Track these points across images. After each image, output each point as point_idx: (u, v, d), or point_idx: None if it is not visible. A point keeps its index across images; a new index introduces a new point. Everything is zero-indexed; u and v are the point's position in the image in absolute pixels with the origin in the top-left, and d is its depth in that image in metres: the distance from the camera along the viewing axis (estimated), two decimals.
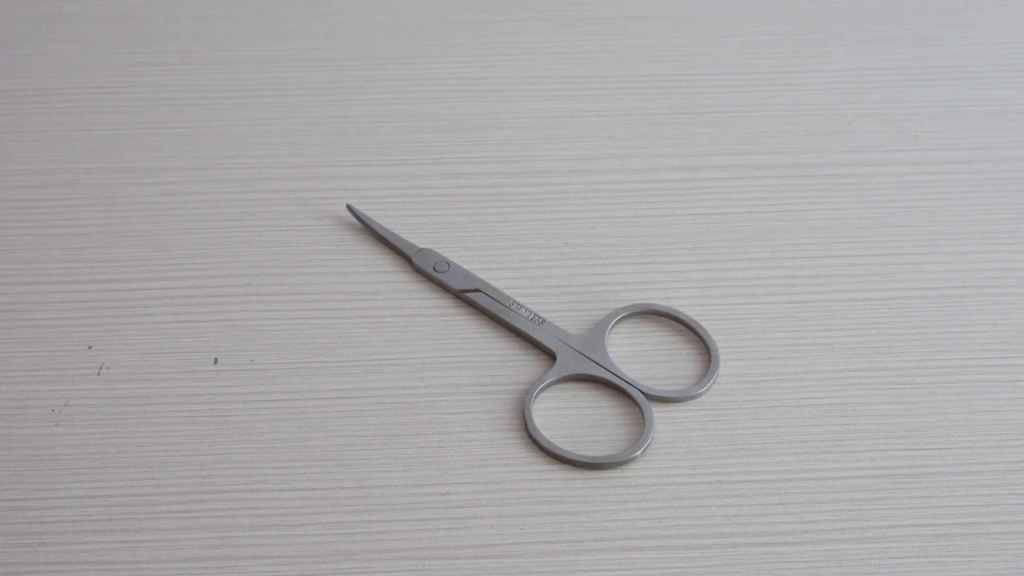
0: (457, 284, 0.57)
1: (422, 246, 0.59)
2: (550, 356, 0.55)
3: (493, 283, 0.57)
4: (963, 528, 0.50)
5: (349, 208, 0.60)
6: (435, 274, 0.58)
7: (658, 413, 0.53)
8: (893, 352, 0.55)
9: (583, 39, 0.70)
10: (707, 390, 0.54)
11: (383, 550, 0.49)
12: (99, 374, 0.54)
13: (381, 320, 0.56)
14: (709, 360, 0.55)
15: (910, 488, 0.51)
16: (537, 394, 0.53)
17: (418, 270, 0.58)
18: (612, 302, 0.57)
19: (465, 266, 0.58)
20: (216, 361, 0.55)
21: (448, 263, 0.58)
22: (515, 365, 0.55)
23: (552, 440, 0.52)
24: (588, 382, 0.54)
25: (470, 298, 0.57)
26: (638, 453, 0.51)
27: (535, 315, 0.56)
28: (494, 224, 0.60)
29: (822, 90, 0.67)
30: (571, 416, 0.53)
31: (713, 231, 0.60)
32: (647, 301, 0.57)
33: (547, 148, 0.64)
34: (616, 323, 0.56)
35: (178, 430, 0.52)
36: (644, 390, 0.53)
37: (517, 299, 0.57)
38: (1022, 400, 0.54)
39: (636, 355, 0.55)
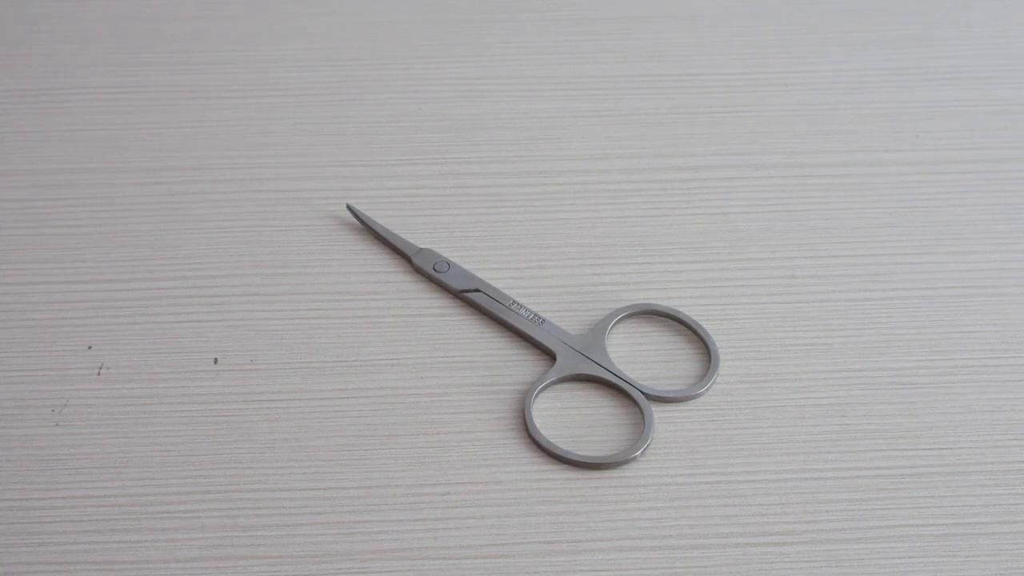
0: (457, 284, 0.57)
1: (422, 246, 0.59)
2: (550, 356, 0.55)
3: (493, 283, 0.57)
4: (963, 528, 0.50)
5: (349, 208, 0.60)
6: (435, 274, 0.58)
7: (658, 413, 0.53)
8: (893, 352, 0.55)
9: (583, 39, 0.70)
10: (707, 390, 0.54)
11: (383, 550, 0.49)
12: (99, 374, 0.54)
13: (381, 320, 0.56)
14: (709, 360, 0.55)
15: (910, 488, 0.51)
16: (537, 394, 0.53)
17: (418, 270, 0.58)
18: (612, 302, 0.57)
19: (465, 266, 0.58)
20: (216, 361, 0.55)
21: (448, 263, 0.58)
22: (515, 365, 0.55)
23: (552, 440, 0.52)
24: (588, 382, 0.54)
25: (470, 298, 0.57)
26: (638, 453, 0.51)
27: (535, 315, 0.56)
28: (494, 224, 0.60)
29: (822, 90, 0.67)
30: (571, 416, 0.53)
31: (713, 231, 0.60)
32: (647, 301, 0.57)
33: (547, 148, 0.64)
34: (616, 323, 0.56)
35: (178, 430, 0.52)
36: (644, 390, 0.53)
37: (517, 299, 0.57)
38: (1022, 400, 0.54)
39: (636, 355, 0.55)
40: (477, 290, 0.57)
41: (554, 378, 0.54)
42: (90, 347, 0.55)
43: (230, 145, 0.64)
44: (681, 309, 0.56)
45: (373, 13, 0.71)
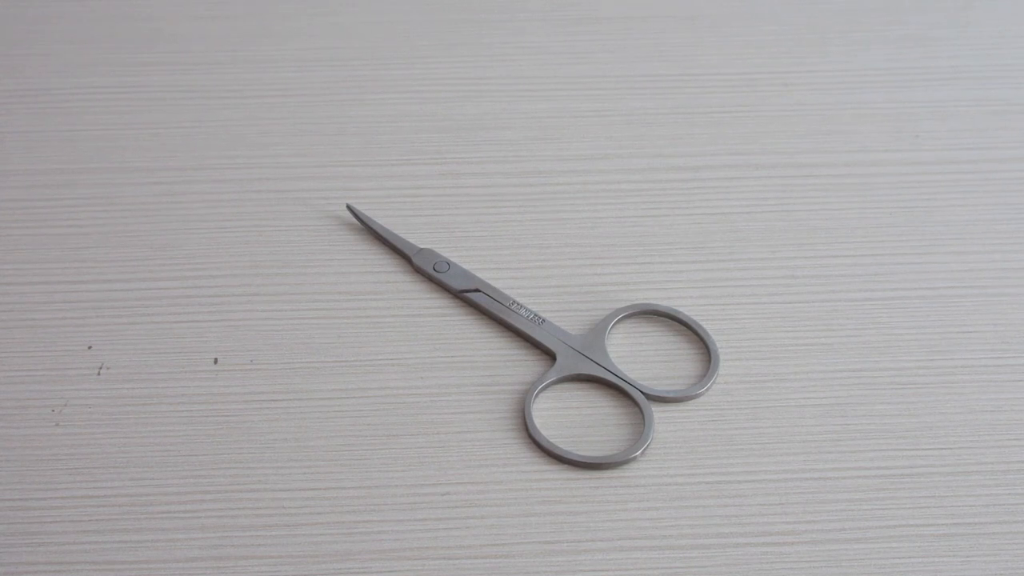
0: (457, 284, 0.57)
1: (422, 246, 0.59)
2: (550, 356, 0.55)
3: (493, 283, 0.57)
4: (963, 528, 0.50)
5: (349, 208, 0.60)
6: (435, 274, 0.58)
7: (658, 413, 0.53)
8: (893, 352, 0.55)
9: (583, 39, 0.70)
10: (707, 390, 0.54)
11: (383, 550, 0.49)
12: (99, 374, 0.54)
13: (381, 320, 0.56)
14: (709, 360, 0.55)
15: (910, 488, 0.51)
16: (537, 394, 0.53)
17: (418, 270, 0.58)
18: (612, 302, 0.57)
19: (465, 266, 0.58)
20: (216, 361, 0.55)
21: (448, 263, 0.58)
22: (515, 365, 0.55)
23: (552, 440, 0.52)
24: (588, 382, 0.54)
25: (470, 298, 0.57)
26: (638, 453, 0.51)
27: (535, 315, 0.56)
28: (494, 224, 0.60)
29: (822, 90, 0.67)
30: (571, 416, 0.53)
31: (713, 231, 0.60)
32: (647, 301, 0.57)
33: (547, 148, 0.64)
34: (616, 323, 0.56)
35: (178, 430, 0.52)
36: (644, 390, 0.53)
37: (517, 299, 0.57)
38: (1022, 400, 0.54)
39: (636, 355, 0.55)
40: (477, 290, 0.57)
41: (554, 378, 0.54)
42: (90, 347, 0.55)
43: (230, 145, 0.64)
44: (681, 309, 0.56)
45: (373, 13, 0.71)
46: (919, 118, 0.66)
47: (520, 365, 0.55)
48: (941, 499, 0.51)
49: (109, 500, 0.50)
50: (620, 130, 0.65)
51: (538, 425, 0.52)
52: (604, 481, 0.51)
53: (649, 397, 0.53)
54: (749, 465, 0.51)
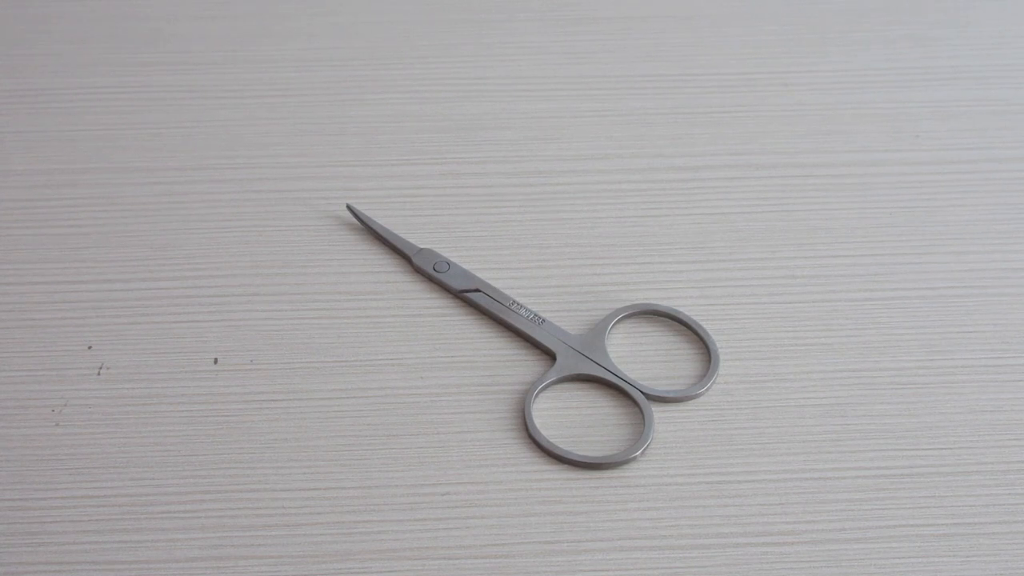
0: (457, 284, 0.57)
1: (422, 246, 0.59)
2: (550, 356, 0.55)
3: (493, 283, 0.57)
4: (963, 528, 0.50)
5: (349, 208, 0.60)
6: (435, 274, 0.58)
7: (658, 413, 0.53)
8: (893, 352, 0.55)
9: (583, 39, 0.70)
10: (707, 390, 0.54)
11: (383, 550, 0.49)
12: (99, 374, 0.54)
13: (381, 320, 0.56)
14: (709, 360, 0.55)
15: (910, 488, 0.51)
16: (537, 394, 0.53)
17: (418, 270, 0.58)
18: (612, 302, 0.57)
19: (465, 266, 0.58)
20: (216, 361, 0.55)
21: (448, 263, 0.58)
22: (515, 365, 0.55)
23: (552, 440, 0.52)
24: (588, 382, 0.54)
25: (470, 298, 0.57)
26: (638, 453, 0.51)
27: (535, 315, 0.56)
28: (494, 224, 0.60)
29: (822, 90, 0.67)
30: (571, 416, 0.53)
31: (713, 231, 0.60)
32: (647, 301, 0.57)
33: (547, 148, 0.64)
34: (616, 323, 0.56)
35: (178, 430, 0.52)
36: (644, 390, 0.53)
37: (517, 299, 0.57)
38: (1022, 400, 0.54)
39: (636, 355, 0.55)
40: (477, 290, 0.57)
41: (554, 378, 0.54)
42: (90, 347, 0.55)
43: (230, 145, 0.64)
44: (681, 309, 0.56)
45: (373, 13, 0.71)
46: (919, 118, 0.66)
47: (520, 365, 0.55)
48: (941, 499, 0.51)
49: (109, 500, 0.50)
50: (620, 130, 0.65)
51: (538, 425, 0.52)
52: (604, 481, 0.51)
53: (649, 397, 0.53)
54: (749, 465, 0.51)
